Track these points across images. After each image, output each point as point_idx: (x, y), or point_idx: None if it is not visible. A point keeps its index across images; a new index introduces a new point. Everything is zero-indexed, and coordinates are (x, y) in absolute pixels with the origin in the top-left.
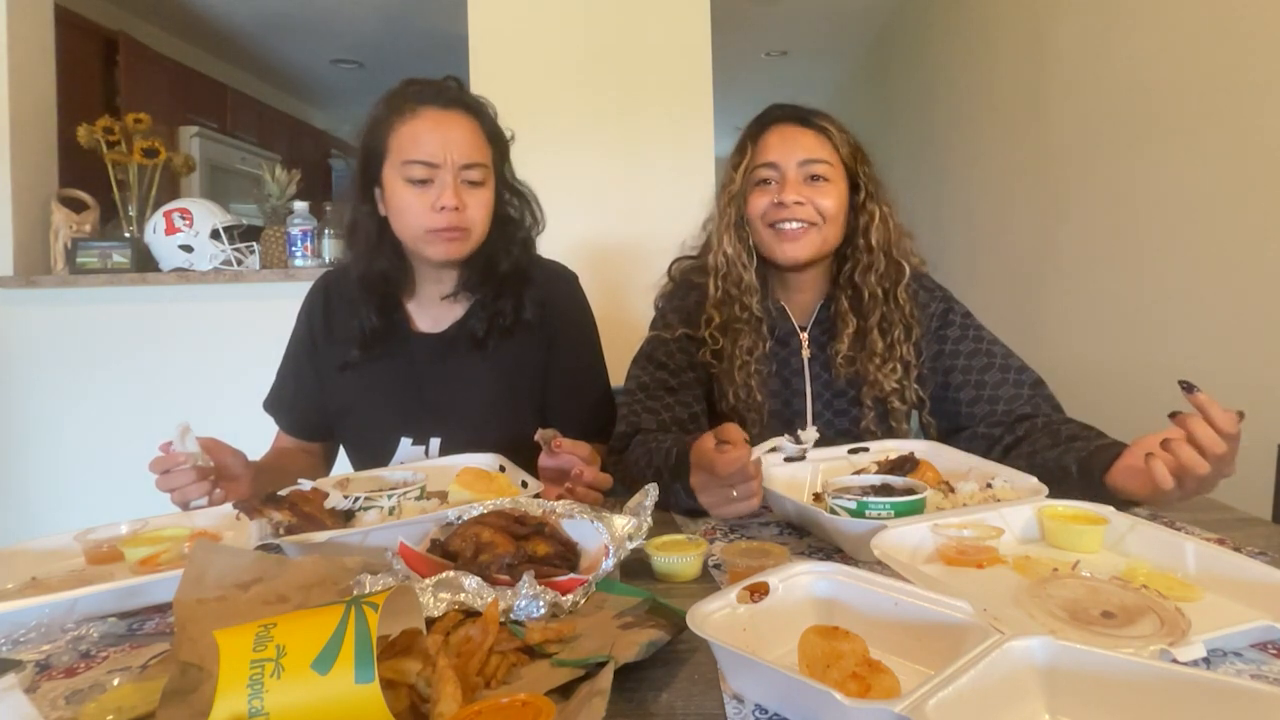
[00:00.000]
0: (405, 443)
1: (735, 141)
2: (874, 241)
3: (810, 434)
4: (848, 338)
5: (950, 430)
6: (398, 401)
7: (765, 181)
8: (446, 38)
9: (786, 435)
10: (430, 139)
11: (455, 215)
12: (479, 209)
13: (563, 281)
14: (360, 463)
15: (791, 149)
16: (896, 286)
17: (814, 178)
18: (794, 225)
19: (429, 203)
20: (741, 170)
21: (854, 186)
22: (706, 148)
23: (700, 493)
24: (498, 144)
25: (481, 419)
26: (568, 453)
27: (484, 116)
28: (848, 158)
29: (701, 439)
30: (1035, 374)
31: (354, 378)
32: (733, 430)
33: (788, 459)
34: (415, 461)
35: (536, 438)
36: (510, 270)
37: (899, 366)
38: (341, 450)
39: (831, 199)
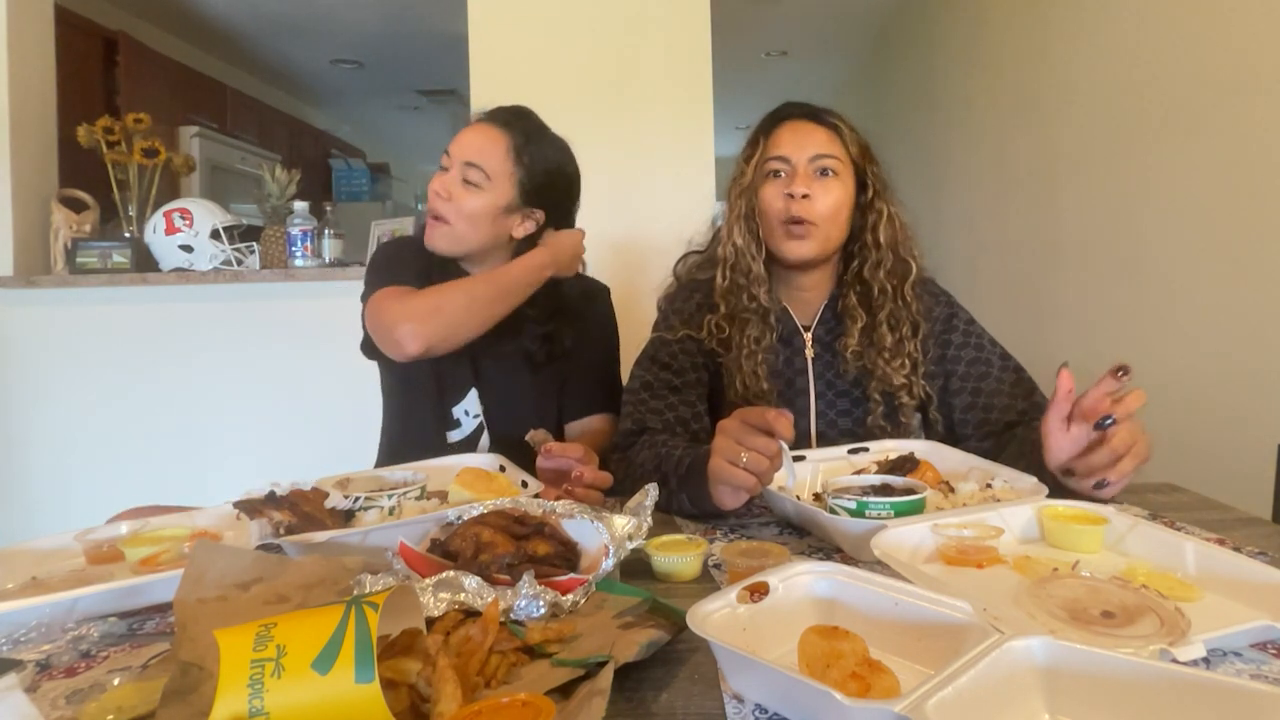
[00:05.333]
0: (460, 408)
1: (747, 136)
2: (882, 239)
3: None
4: (857, 332)
5: (944, 439)
6: (457, 364)
7: (776, 174)
8: (446, 38)
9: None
10: (459, 139)
11: (437, 201)
12: (462, 205)
13: (589, 297)
14: (409, 432)
15: (803, 143)
16: (904, 283)
17: (823, 172)
18: (801, 225)
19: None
20: (754, 163)
21: (861, 185)
22: (706, 148)
23: (717, 435)
24: (528, 164)
25: (520, 414)
26: (559, 455)
27: (517, 133)
28: (857, 156)
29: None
30: (1030, 383)
31: None
32: (785, 415)
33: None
34: (471, 426)
35: (527, 439)
36: (541, 309)
37: (907, 362)
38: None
39: (837, 196)
